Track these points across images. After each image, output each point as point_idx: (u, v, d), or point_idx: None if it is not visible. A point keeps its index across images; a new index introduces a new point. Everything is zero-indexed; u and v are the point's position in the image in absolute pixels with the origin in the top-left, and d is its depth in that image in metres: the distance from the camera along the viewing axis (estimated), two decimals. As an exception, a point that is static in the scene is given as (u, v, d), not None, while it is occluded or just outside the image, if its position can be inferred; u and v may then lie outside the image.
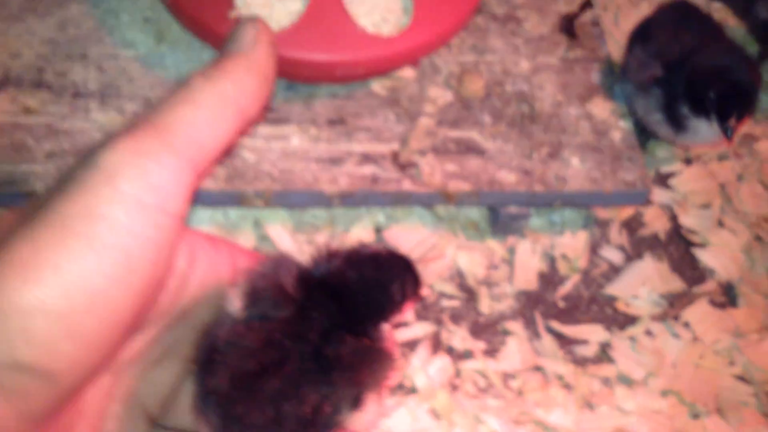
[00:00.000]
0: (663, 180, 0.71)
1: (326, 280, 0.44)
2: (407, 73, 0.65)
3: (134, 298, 0.37)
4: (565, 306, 0.63)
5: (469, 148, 0.62)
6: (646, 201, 0.65)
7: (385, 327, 0.46)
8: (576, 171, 0.62)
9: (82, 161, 0.38)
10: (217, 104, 0.42)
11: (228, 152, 0.57)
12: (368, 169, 0.60)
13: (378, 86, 0.64)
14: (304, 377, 0.42)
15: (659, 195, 0.70)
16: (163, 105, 0.39)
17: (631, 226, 0.68)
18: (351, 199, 0.59)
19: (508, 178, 0.60)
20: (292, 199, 0.59)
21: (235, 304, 0.43)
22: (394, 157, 0.60)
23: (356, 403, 0.44)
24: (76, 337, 0.35)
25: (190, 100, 0.40)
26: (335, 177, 0.59)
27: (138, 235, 0.36)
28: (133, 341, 0.45)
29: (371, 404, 0.45)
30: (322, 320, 0.43)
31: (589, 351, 0.61)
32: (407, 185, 0.59)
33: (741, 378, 0.61)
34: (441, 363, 0.58)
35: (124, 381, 0.45)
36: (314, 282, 0.44)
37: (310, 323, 0.43)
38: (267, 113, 0.61)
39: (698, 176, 0.71)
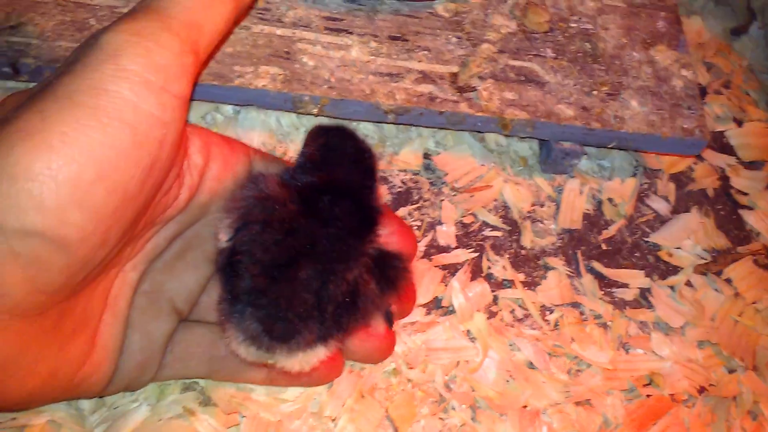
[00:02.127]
0: (718, 140, 0.70)
1: (308, 181, 0.45)
2: (473, -1, 0.64)
3: (143, 175, 0.37)
4: (607, 249, 0.62)
5: (528, 79, 0.61)
6: (701, 151, 0.64)
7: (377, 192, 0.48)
8: (635, 113, 0.61)
9: (86, 44, 0.39)
10: None
11: (224, 41, 0.56)
12: (426, 88, 0.59)
13: (442, 8, 0.63)
14: (335, 258, 0.42)
15: (712, 156, 0.70)
16: None
17: (680, 180, 0.68)
18: (406, 116, 0.58)
19: (566, 111, 0.59)
20: (347, 108, 0.58)
21: (227, 226, 0.43)
22: (453, 78, 0.60)
23: (388, 279, 0.44)
24: (86, 206, 0.35)
25: None
26: (392, 91, 0.58)
27: (143, 112, 0.36)
28: (156, 237, 0.45)
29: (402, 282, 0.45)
30: (331, 206, 0.43)
31: (628, 295, 0.60)
32: (464, 107, 0.58)
33: (779, 339, 0.61)
34: (480, 288, 0.58)
35: (150, 276, 0.46)
36: (300, 182, 0.44)
37: (322, 210, 0.43)
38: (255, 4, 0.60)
39: (754, 133, 0.70)
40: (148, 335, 0.45)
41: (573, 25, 0.65)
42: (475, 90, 0.59)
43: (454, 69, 0.60)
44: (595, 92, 0.61)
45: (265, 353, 0.42)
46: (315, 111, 0.58)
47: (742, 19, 0.78)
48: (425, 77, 0.59)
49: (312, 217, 0.42)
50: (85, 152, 0.35)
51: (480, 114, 0.58)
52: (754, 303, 0.62)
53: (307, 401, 0.50)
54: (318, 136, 0.47)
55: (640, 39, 0.65)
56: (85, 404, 0.48)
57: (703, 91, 0.73)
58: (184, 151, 0.43)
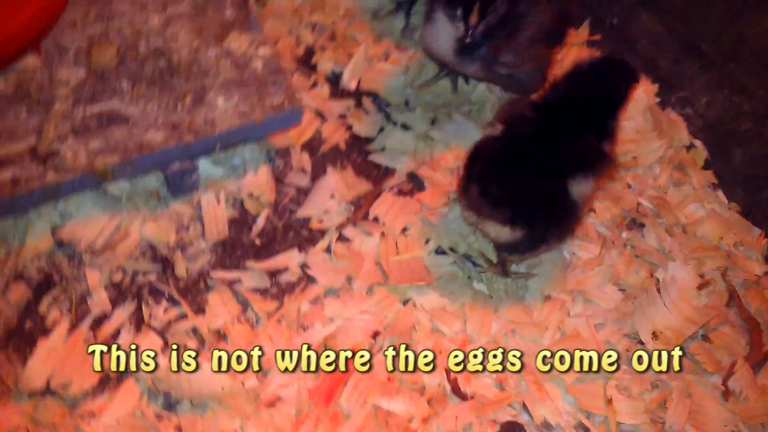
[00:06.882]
0: (334, 89, 0.73)
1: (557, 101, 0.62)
2: (31, 61, 0.62)
3: None
4: (262, 242, 0.64)
5: (111, 120, 0.60)
6: (302, 117, 0.65)
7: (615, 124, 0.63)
8: (223, 111, 0.61)
9: None
10: None
11: None
12: (7, 174, 0.57)
13: (2, 84, 0.60)
14: (542, 171, 0.59)
15: (334, 107, 0.72)
16: None
17: (312, 146, 0.70)
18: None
19: (156, 137, 0.59)
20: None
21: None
22: (33, 151, 0.58)
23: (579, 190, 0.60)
24: None
25: None
26: (-28, 191, 0.55)
27: None
28: None
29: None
30: (559, 129, 0.60)
31: (293, 276, 0.62)
32: (51, 176, 0.57)
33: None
34: (148, 338, 0.58)
35: None
36: (547, 105, 0.62)
37: (551, 133, 0.60)
38: None
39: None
40: None
41: (142, 47, 0.64)
42: (59, 154, 0.58)
43: (33, 141, 0.58)
44: (179, 106, 0.61)
45: None
46: None
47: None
48: (4, 162, 0.57)
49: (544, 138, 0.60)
50: None
51: (71, 176, 0.57)
52: (404, 231, 0.65)
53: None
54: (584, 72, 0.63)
55: (213, 35, 0.66)
56: None
57: (310, 52, 0.76)
58: None
